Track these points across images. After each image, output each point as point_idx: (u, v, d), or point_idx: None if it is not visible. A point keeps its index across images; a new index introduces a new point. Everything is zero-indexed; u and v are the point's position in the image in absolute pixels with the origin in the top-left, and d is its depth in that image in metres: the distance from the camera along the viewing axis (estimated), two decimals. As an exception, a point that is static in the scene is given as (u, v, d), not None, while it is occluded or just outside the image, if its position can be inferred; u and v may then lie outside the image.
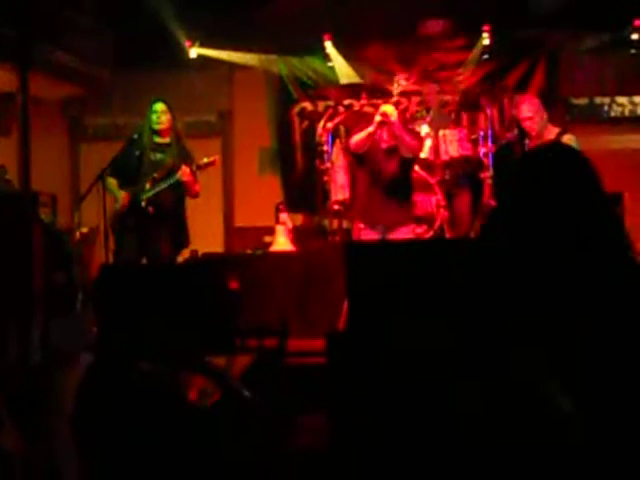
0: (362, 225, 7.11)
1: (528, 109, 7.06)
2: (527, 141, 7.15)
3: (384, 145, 6.92)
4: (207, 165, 7.14)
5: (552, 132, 7.00)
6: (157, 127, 7.13)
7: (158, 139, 7.15)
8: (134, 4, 8.85)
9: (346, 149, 8.28)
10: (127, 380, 2.78)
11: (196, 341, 4.03)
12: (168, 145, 7.16)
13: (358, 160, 7.16)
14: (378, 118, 6.86)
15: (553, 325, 1.84)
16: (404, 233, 6.85)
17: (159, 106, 7.18)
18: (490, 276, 1.96)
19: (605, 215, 1.95)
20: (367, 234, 6.99)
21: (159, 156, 7.10)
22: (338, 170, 8.27)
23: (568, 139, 6.80)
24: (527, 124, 7.05)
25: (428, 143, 8.39)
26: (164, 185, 6.98)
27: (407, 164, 6.99)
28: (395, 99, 8.75)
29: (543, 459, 1.79)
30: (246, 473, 3.06)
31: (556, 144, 6.73)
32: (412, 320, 3.83)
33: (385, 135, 6.91)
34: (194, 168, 7.06)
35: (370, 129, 6.81)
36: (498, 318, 1.91)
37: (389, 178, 6.91)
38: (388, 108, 6.98)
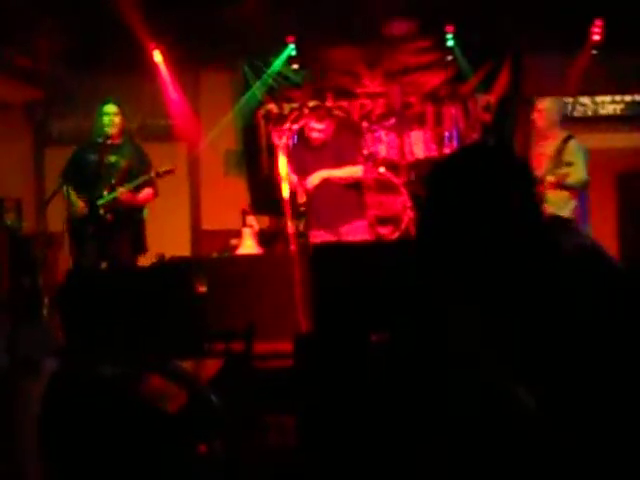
0: (313, 231, 7.24)
1: (545, 105, 7.40)
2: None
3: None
4: (166, 173, 7.10)
5: (560, 135, 7.11)
6: (109, 130, 7.03)
7: (109, 141, 7.06)
8: (97, 6, 8.80)
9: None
10: (92, 385, 2.78)
11: (163, 345, 4.03)
12: (120, 146, 7.09)
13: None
14: None
15: (502, 319, 1.87)
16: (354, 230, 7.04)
17: (110, 108, 7.07)
18: (424, 273, 2.00)
19: (523, 208, 1.98)
20: (317, 235, 7.11)
21: (113, 158, 7.01)
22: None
23: (573, 144, 7.03)
24: (535, 115, 7.39)
25: None
26: (121, 190, 6.92)
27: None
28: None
29: (508, 457, 1.82)
30: (215, 474, 3.06)
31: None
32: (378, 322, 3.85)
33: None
34: (152, 174, 7.03)
35: None
36: (446, 314, 1.94)
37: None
38: None
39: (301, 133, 7.60)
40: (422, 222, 2.08)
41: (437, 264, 1.98)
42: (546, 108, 7.33)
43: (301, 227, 7.66)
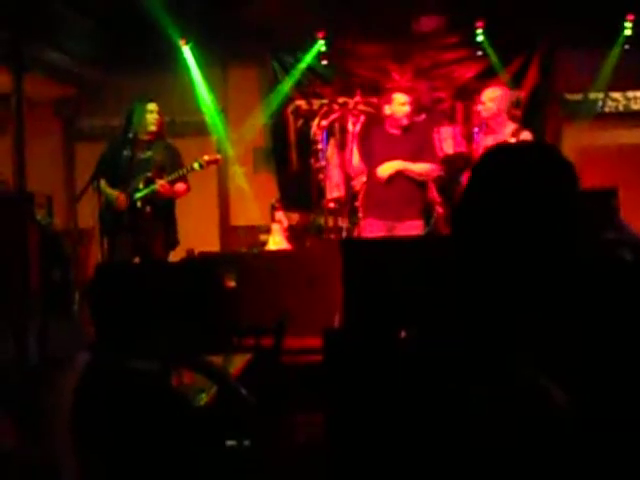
0: (368, 219, 7.13)
1: (488, 95, 7.12)
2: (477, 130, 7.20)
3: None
4: (210, 163, 7.11)
5: (509, 127, 6.99)
6: (154, 128, 7.07)
7: (145, 137, 7.09)
8: (126, 3, 8.83)
9: (340, 146, 8.27)
10: (124, 379, 2.78)
11: (193, 340, 4.03)
12: (152, 142, 7.09)
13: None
14: None
15: (537, 322, 1.85)
16: (410, 228, 6.91)
17: (154, 106, 7.10)
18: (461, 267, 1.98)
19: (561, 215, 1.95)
20: (372, 229, 7.00)
21: (147, 154, 7.03)
22: (333, 168, 8.25)
23: (526, 136, 6.83)
24: (479, 107, 7.16)
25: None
26: (161, 182, 6.94)
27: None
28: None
29: (540, 455, 1.80)
30: (242, 469, 3.06)
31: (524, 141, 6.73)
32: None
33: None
34: (195, 165, 7.02)
35: None
36: (494, 318, 1.92)
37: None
38: None
39: (370, 121, 7.48)
40: (462, 215, 2.06)
41: (474, 259, 1.96)
42: (492, 98, 7.04)
43: (345, 222, 7.62)
